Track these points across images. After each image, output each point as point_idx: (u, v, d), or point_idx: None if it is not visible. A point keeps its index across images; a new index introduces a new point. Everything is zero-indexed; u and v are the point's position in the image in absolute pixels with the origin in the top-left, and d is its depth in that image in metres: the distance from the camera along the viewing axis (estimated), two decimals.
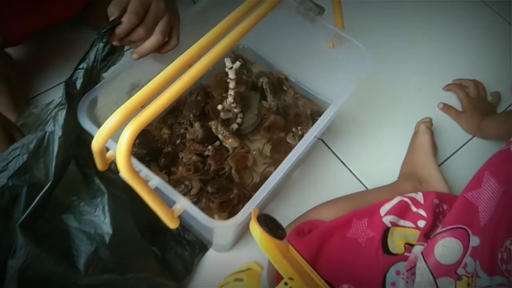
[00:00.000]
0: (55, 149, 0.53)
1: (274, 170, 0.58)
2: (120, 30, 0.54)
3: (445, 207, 0.71)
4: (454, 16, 1.14)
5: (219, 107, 0.77)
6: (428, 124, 0.89)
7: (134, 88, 0.68)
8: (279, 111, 0.85)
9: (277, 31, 0.79)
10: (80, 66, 0.54)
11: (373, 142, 0.92)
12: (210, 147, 0.75)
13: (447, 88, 0.99)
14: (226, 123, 0.79)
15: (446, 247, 0.60)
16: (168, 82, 0.48)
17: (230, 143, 0.76)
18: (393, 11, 1.13)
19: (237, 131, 0.79)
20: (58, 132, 0.53)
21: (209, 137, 0.77)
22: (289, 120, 0.85)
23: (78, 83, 0.55)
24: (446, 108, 0.96)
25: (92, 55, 0.54)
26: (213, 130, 0.77)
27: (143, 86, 0.70)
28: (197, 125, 0.77)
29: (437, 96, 1.00)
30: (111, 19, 0.55)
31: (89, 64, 0.54)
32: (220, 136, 0.77)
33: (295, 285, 0.48)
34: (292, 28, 0.77)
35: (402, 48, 1.06)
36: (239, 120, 0.78)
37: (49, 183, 0.53)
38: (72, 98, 0.55)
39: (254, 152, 0.81)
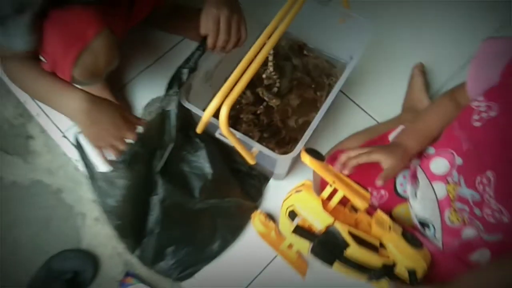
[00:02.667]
0: (174, 121, 0.79)
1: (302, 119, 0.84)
2: (218, 45, 0.81)
3: None
4: None
5: (264, 75, 1.03)
6: (421, 67, 1.13)
7: (207, 73, 0.94)
8: (305, 69, 1.10)
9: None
10: (186, 66, 0.80)
11: (380, 87, 1.16)
12: (261, 107, 1.02)
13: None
14: (269, 88, 1.04)
15: (438, 164, 0.82)
16: (241, 73, 0.73)
17: (274, 102, 1.03)
18: None
19: (277, 93, 1.05)
20: (175, 110, 0.79)
21: (258, 100, 1.03)
22: (313, 77, 1.10)
23: (184, 77, 0.80)
24: None
25: (193, 59, 0.79)
26: (260, 94, 1.03)
27: (211, 72, 0.96)
28: (248, 92, 1.03)
29: (428, 47, 1.19)
30: (204, 33, 0.81)
31: (191, 65, 0.79)
32: (266, 98, 1.03)
33: (337, 186, 0.76)
34: (309, 10, 0.99)
35: (401, 17, 1.25)
36: (278, 84, 1.04)
37: (172, 144, 0.80)
38: (181, 87, 0.81)
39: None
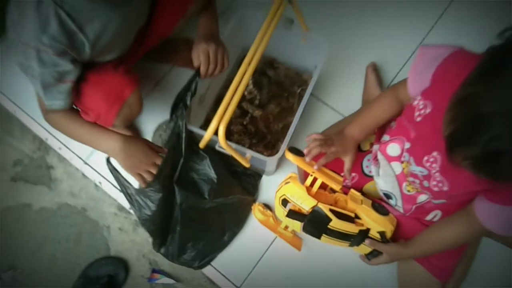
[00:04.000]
0: (184, 139, 0.96)
1: (282, 123, 1.03)
2: (208, 73, 0.99)
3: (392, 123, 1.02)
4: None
5: (245, 92, 1.21)
6: (373, 66, 1.32)
7: (200, 97, 1.11)
8: (278, 79, 1.29)
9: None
10: (188, 93, 0.96)
11: (343, 86, 1.35)
12: (247, 118, 1.21)
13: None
14: (251, 101, 1.23)
15: (392, 148, 0.93)
16: (231, 98, 0.91)
17: (257, 113, 1.21)
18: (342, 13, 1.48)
19: (258, 104, 1.23)
20: (183, 130, 0.95)
21: (244, 113, 1.22)
22: (285, 87, 1.29)
23: (188, 102, 0.96)
24: None
25: (193, 86, 0.96)
26: (245, 107, 1.22)
27: (203, 95, 1.14)
28: None
29: (378, 49, 1.37)
30: (197, 65, 0.99)
31: (192, 91, 0.96)
32: (250, 110, 1.22)
33: (316, 175, 0.96)
34: (276, 32, 1.17)
35: (352, 27, 1.43)
36: (258, 97, 1.23)
37: (182, 157, 0.97)
38: (186, 110, 0.98)
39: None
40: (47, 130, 1.32)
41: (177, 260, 1.13)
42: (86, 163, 1.28)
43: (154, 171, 0.97)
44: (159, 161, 0.96)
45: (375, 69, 1.33)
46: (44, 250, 1.25)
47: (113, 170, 0.98)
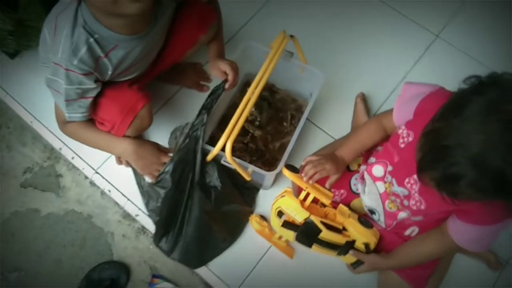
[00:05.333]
0: (200, 146, 1.06)
1: (279, 143, 1.17)
2: (230, 85, 1.11)
3: (378, 147, 1.13)
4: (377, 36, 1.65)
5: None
6: (361, 96, 1.45)
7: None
8: (276, 103, 1.42)
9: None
10: (210, 106, 1.08)
11: (334, 112, 1.47)
12: (248, 137, 1.33)
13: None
14: (252, 122, 1.35)
15: (377, 169, 1.02)
16: (237, 119, 1.03)
17: (257, 133, 1.33)
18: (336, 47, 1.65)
19: (258, 125, 1.36)
20: (202, 136, 1.06)
21: (245, 132, 1.34)
22: (281, 110, 1.42)
23: (213, 108, 1.09)
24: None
25: (215, 98, 1.08)
26: (246, 127, 1.34)
27: (211, 115, 1.26)
28: None
29: (367, 80, 1.51)
30: (224, 78, 1.11)
31: (215, 103, 1.08)
32: (251, 130, 1.34)
33: (309, 190, 1.07)
34: (278, 63, 1.30)
35: (344, 61, 1.57)
36: (259, 119, 1.35)
37: (200, 162, 1.08)
38: (207, 117, 1.09)
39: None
40: (61, 141, 1.41)
41: (176, 256, 1.22)
42: (97, 172, 1.38)
43: (162, 169, 1.09)
44: (167, 160, 1.09)
45: (364, 99, 1.46)
46: (50, 253, 1.32)
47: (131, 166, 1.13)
